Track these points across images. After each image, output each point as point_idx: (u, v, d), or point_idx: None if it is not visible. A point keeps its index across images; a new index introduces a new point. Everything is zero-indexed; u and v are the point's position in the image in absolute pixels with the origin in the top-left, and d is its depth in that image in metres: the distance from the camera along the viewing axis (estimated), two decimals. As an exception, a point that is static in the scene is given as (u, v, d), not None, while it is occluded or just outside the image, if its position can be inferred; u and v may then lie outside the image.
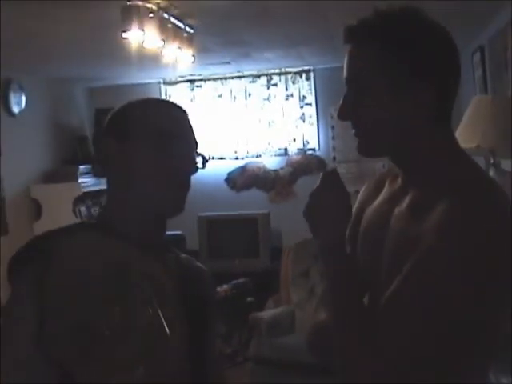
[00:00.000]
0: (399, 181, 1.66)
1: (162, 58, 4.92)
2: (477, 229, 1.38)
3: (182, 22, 4.77)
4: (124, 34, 4.07)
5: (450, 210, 1.41)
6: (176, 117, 1.76)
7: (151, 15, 4.20)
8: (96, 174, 1.61)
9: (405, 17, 1.56)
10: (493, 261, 1.38)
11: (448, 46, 1.58)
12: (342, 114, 1.61)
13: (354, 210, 1.78)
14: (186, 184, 1.72)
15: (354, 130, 1.62)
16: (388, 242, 1.55)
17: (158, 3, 4.26)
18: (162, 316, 1.62)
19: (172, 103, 1.81)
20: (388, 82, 1.53)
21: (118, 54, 5.43)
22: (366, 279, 1.62)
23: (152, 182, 1.67)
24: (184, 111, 1.79)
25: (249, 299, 6.35)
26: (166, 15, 4.46)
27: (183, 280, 1.76)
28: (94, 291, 1.55)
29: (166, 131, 1.70)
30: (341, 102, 1.61)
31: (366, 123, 1.59)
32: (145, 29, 4.10)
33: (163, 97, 8.30)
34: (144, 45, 4.33)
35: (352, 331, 1.50)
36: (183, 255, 1.89)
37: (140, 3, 4.06)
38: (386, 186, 1.73)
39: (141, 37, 4.15)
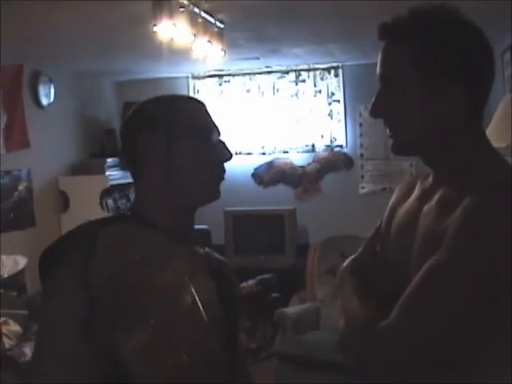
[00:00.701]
0: (430, 179, 1.66)
1: (192, 53, 4.92)
2: (499, 227, 1.38)
3: (212, 16, 4.76)
4: (155, 28, 4.07)
5: (474, 207, 1.42)
6: (206, 110, 1.82)
7: (182, 9, 4.19)
8: (127, 168, 1.59)
9: (441, 16, 1.55)
10: (505, 261, 1.37)
11: (483, 45, 1.56)
12: (375, 112, 1.61)
13: (386, 210, 1.78)
14: (224, 171, 1.80)
15: (387, 129, 1.61)
16: (416, 238, 1.55)
17: (189, -3, 4.26)
18: (200, 306, 1.68)
19: (194, 98, 1.88)
20: (423, 81, 1.52)
21: (147, 47, 5.45)
22: (396, 273, 1.61)
23: (196, 176, 1.74)
24: (204, 103, 1.85)
25: (274, 295, 6.34)
26: (196, 9, 4.46)
27: (218, 273, 1.85)
28: (141, 279, 1.59)
29: (205, 125, 1.77)
30: (374, 99, 1.60)
31: (399, 122, 1.58)
32: (175, 23, 4.10)
33: (191, 91, 8.32)
34: (174, 39, 4.33)
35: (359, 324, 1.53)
36: (207, 248, 1.95)
37: (171, -3, 4.06)
38: (417, 185, 1.72)
39: (171, 31, 4.14)
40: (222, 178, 1.79)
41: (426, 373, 1.42)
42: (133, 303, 1.55)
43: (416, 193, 1.70)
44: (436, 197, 1.57)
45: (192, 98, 1.86)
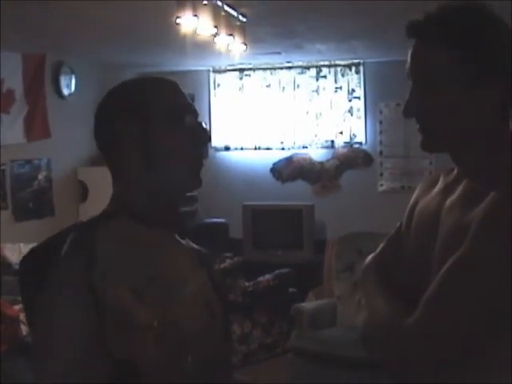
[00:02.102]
0: (454, 174, 1.65)
1: (214, 46, 4.92)
2: None
3: (235, 10, 4.76)
4: (178, 20, 4.07)
5: (498, 202, 1.42)
6: (180, 90, 1.71)
7: (205, 2, 4.20)
8: (103, 157, 1.43)
9: (474, 13, 1.55)
10: None
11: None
12: (408, 111, 1.60)
13: (408, 206, 1.78)
14: (203, 156, 1.73)
15: (418, 126, 1.60)
16: (440, 232, 1.55)
17: (213, -10, 4.26)
18: (203, 304, 1.67)
19: (165, 78, 1.75)
20: (458, 79, 1.52)
21: (170, 40, 5.46)
22: (419, 270, 1.61)
23: (177, 160, 1.64)
24: (176, 83, 1.74)
25: (291, 290, 6.34)
26: (219, 3, 4.46)
27: (207, 264, 1.82)
28: (142, 280, 1.53)
29: (181, 107, 1.67)
30: (407, 97, 1.59)
31: (434, 119, 1.57)
32: (198, 15, 4.10)
33: (211, 85, 8.33)
34: (197, 31, 4.33)
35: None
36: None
37: (195, -11, 4.06)
38: (440, 180, 1.72)
39: (194, 23, 4.15)
40: (203, 161, 1.70)
41: (452, 370, 1.42)
42: (137, 306, 1.49)
43: (439, 187, 1.70)
44: (459, 191, 1.57)
45: (164, 79, 1.74)
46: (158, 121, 1.63)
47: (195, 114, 1.70)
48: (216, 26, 4.41)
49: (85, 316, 1.46)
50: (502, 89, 1.53)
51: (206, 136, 1.72)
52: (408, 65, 1.60)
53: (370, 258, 1.80)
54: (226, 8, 4.60)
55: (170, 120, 1.64)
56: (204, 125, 1.74)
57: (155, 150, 1.62)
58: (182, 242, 1.76)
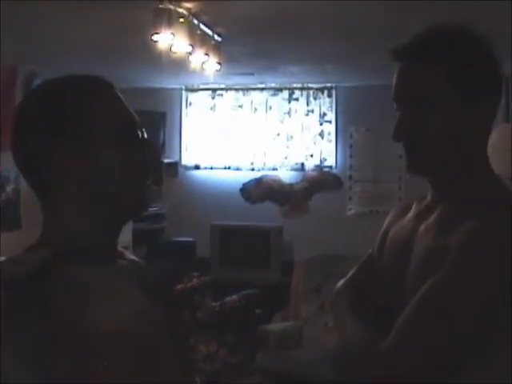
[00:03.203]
0: (428, 199, 1.66)
1: (188, 64, 4.92)
2: (504, 252, 1.38)
3: (210, 29, 4.77)
4: (154, 37, 4.07)
5: (480, 230, 1.42)
6: (121, 97, 1.43)
7: (181, 20, 4.20)
8: (29, 184, 1.22)
9: (460, 36, 1.56)
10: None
11: (498, 63, 1.57)
12: (399, 135, 1.58)
13: (380, 231, 1.79)
14: (153, 178, 1.45)
15: (404, 149, 1.60)
16: (414, 257, 1.55)
17: (189, 8, 4.27)
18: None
19: (101, 79, 1.46)
20: (450, 102, 1.52)
21: (143, 56, 5.44)
22: (391, 295, 1.61)
23: (123, 185, 1.38)
24: (113, 85, 1.44)
25: (257, 311, 6.33)
26: (195, 21, 4.47)
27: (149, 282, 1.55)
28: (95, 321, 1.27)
29: (128, 121, 1.41)
30: (396, 122, 1.58)
31: (427, 143, 1.56)
32: (174, 33, 4.10)
33: (184, 103, 8.32)
34: (172, 49, 4.34)
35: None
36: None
37: (171, 7, 4.06)
38: (414, 206, 1.72)
39: (170, 40, 4.15)
40: (149, 187, 1.44)
41: None
42: (87, 345, 1.23)
43: (412, 213, 1.70)
44: (434, 217, 1.57)
45: (100, 82, 1.45)
46: (101, 143, 1.35)
47: (141, 128, 1.42)
48: (191, 45, 4.42)
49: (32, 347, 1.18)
50: (491, 111, 1.55)
51: (158, 156, 1.47)
52: (395, 88, 1.59)
53: (341, 281, 1.80)
54: (202, 27, 4.61)
55: (116, 141, 1.36)
56: (152, 144, 1.48)
57: (97, 177, 1.36)
58: (121, 263, 1.48)
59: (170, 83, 8.02)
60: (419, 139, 1.56)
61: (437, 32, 1.56)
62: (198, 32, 4.57)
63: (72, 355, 1.20)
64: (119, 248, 1.51)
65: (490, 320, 1.39)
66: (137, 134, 1.41)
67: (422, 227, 1.58)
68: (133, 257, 1.59)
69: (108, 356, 1.26)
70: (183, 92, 8.38)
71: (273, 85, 8.10)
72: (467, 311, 1.38)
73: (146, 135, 1.43)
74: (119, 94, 1.42)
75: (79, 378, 1.21)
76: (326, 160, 8.06)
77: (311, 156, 8.09)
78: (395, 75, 1.59)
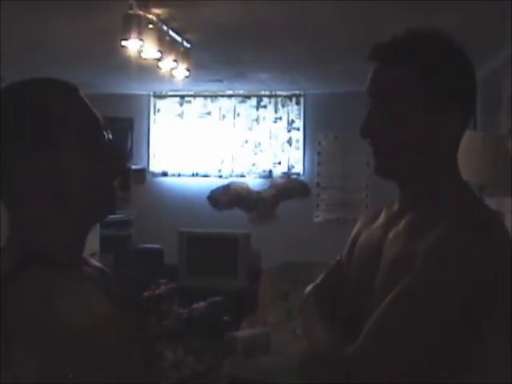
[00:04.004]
0: (395, 206, 1.66)
1: (156, 70, 4.91)
2: (471, 258, 1.39)
3: (180, 35, 4.77)
4: (123, 42, 4.06)
5: (448, 236, 1.42)
6: (86, 100, 1.42)
7: (151, 26, 4.20)
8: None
9: (438, 41, 1.57)
10: (480, 288, 1.39)
11: (472, 72, 1.59)
12: (366, 131, 1.58)
13: (350, 238, 1.79)
14: (117, 179, 1.46)
15: (372, 149, 1.60)
16: (382, 263, 1.55)
17: (159, 14, 4.27)
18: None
19: (63, 81, 1.44)
20: (422, 104, 1.53)
21: (112, 62, 5.43)
22: (359, 300, 1.61)
23: (92, 192, 1.38)
24: (77, 88, 1.43)
25: (225, 318, 6.31)
26: (164, 27, 4.46)
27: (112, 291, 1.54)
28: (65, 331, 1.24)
29: (92, 123, 1.40)
30: (365, 118, 1.58)
31: (394, 143, 1.56)
32: (144, 39, 4.09)
33: (152, 110, 8.30)
34: (142, 55, 4.33)
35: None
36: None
37: (141, 13, 4.05)
38: (383, 213, 1.73)
39: (139, 46, 4.14)
40: (115, 190, 1.44)
41: None
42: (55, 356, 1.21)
43: (381, 220, 1.70)
44: (403, 223, 1.57)
45: (64, 85, 1.42)
46: (66, 146, 1.34)
47: (105, 130, 1.42)
48: (160, 51, 4.41)
49: None
50: (461, 117, 1.56)
51: (123, 159, 1.44)
52: (368, 85, 1.59)
53: (310, 287, 1.79)
54: (171, 33, 4.61)
55: (82, 144, 1.36)
56: (117, 146, 1.47)
57: (64, 183, 1.35)
58: (86, 270, 1.48)
59: (138, 89, 8.00)
60: (382, 140, 1.57)
61: (415, 35, 1.57)
62: (167, 38, 4.57)
63: (39, 356, 1.19)
64: (84, 255, 1.49)
65: (457, 325, 1.40)
66: (101, 136, 1.40)
67: (391, 234, 1.59)
68: (98, 264, 1.58)
69: (74, 360, 1.24)
70: (151, 98, 8.36)
71: (241, 92, 8.12)
72: (432, 318, 1.39)
73: (111, 137, 1.43)
74: (83, 97, 1.41)
75: (48, 379, 1.20)
76: (293, 167, 8.09)
77: (279, 163, 8.11)
78: (371, 71, 1.60)
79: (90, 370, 1.28)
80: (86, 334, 1.29)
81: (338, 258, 1.82)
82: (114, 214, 1.48)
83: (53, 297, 1.28)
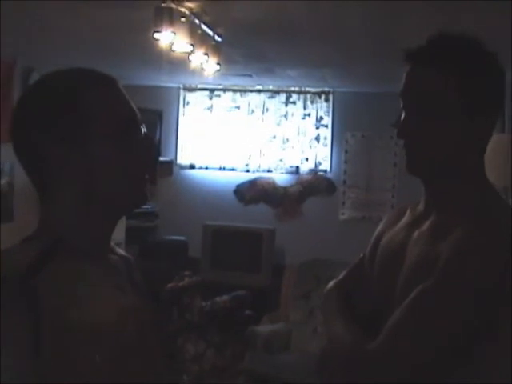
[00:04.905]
0: (420, 207, 1.67)
1: (187, 64, 4.92)
2: (491, 261, 1.40)
3: (211, 29, 4.77)
4: (155, 35, 4.08)
5: (468, 238, 1.44)
6: (123, 92, 1.42)
7: (183, 19, 4.21)
8: (29, 178, 1.22)
9: (471, 43, 1.59)
10: (500, 290, 1.41)
11: (503, 75, 1.60)
12: (403, 132, 1.61)
13: (373, 236, 1.80)
14: (151, 174, 1.47)
15: (406, 148, 1.62)
16: (406, 263, 1.56)
17: (191, 8, 4.27)
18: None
19: (102, 74, 1.44)
20: (460, 106, 1.54)
21: (142, 54, 5.46)
22: (381, 299, 1.63)
23: (121, 182, 1.39)
24: (116, 80, 1.43)
25: (247, 312, 6.32)
26: (196, 21, 4.47)
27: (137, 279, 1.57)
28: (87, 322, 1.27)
29: (128, 118, 1.40)
30: (402, 119, 1.61)
31: (430, 144, 1.58)
32: (176, 32, 4.11)
33: (181, 103, 8.33)
34: (173, 48, 4.34)
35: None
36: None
37: (173, 6, 4.07)
38: (408, 213, 1.74)
39: (171, 39, 4.15)
40: (146, 183, 1.44)
41: None
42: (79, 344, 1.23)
43: (406, 220, 1.71)
44: (427, 224, 1.59)
45: (102, 77, 1.42)
46: (100, 138, 1.35)
47: (141, 124, 1.43)
48: (192, 44, 4.42)
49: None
50: (492, 122, 1.58)
51: (156, 155, 1.51)
52: (404, 87, 1.61)
53: (331, 284, 1.81)
54: (203, 27, 4.62)
55: (116, 136, 1.36)
56: (152, 140, 1.49)
57: (96, 176, 1.36)
58: (112, 258, 1.49)
59: (168, 82, 8.03)
60: (420, 140, 1.59)
61: (450, 38, 1.59)
62: (199, 32, 4.57)
63: (62, 352, 1.22)
64: (111, 244, 1.51)
65: (474, 326, 1.41)
66: (137, 130, 1.41)
67: (416, 234, 1.60)
68: (123, 252, 1.59)
69: (96, 352, 1.26)
70: (181, 91, 8.38)
71: (270, 87, 8.11)
72: (453, 318, 1.41)
73: (146, 131, 1.44)
74: (122, 90, 1.42)
75: (70, 375, 1.23)
76: (320, 164, 8.08)
77: (306, 159, 8.10)
78: (405, 74, 1.62)
79: (114, 356, 1.30)
80: (110, 321, 1.31)
81: (361, 255, 1.83)
82: (143, 206, 1.50)
83: (78, 284, 1.30)
